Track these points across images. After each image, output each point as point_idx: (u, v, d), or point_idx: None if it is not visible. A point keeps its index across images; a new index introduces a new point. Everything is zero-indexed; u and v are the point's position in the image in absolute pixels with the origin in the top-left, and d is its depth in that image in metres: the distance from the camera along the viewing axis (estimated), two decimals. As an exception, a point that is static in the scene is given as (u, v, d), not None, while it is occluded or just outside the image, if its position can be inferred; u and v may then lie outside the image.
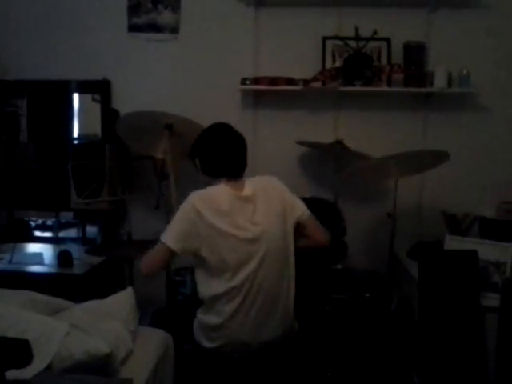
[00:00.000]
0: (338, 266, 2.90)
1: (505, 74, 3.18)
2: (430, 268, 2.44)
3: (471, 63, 3.10)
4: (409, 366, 2.64)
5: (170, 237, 2.00)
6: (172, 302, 2.79)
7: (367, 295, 2.56)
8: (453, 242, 2.64)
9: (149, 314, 2.84)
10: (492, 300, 2.41)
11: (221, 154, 2.13)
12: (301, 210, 2.16)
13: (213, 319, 2.02)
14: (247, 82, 3.13)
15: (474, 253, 2.45)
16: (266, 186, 2.13)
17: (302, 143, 3.15)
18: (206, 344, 2.06)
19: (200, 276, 2.08)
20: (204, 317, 2.07)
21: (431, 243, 2.92)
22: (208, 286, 2.04)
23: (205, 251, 1.99)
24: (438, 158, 2.82)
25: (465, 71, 3.05)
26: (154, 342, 2.24)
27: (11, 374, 1.51)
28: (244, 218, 2.02)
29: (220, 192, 2.05)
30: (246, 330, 2.00)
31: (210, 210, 1.99)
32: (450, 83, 3.07)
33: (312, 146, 3.17)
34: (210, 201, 2.02)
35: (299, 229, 2.16)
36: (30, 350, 1.74)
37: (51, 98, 3.37)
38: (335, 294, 2.54)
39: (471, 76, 3.06)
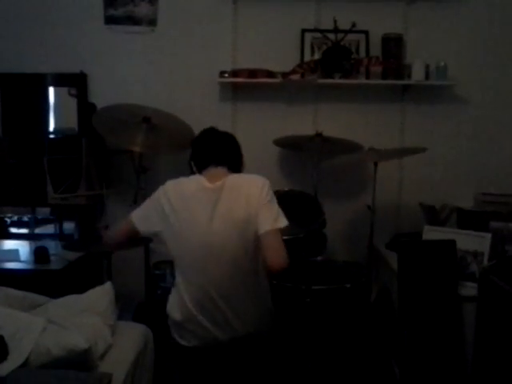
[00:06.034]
0: (318, 258, 2.91)
1: (482, 66, 3.22)
2: (409, 258, 2.45)
3: (448, 56, 3.14)
4: (388, 355, 2.66)
5: (136, 213, 2.08)
6: (151, 295, 2.76)
7: (347, 286, 2.57)
8: (431, 233, 2.66)
9: (128, 308, 2.81)
10: (470, 289, 2.44)
11: (202, 147, 2.16)
12: (263, 226, 1.92)
13: (177, 316, 2.00)
14: (225, 75, 3.11)
15: (453, 242, 2.47)
16: (241, 185, 1.99)
17: (280, 143, 3.11)
18: (181, 341, 2.02)
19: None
20: (170, 313, 2.04)
21: (410, 234, 2.95)
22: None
23: (165, 233, 2.02)
24: (415, 151, 2.87)
25: (442, 63, 3.08)
26: (134, 336, 2.22)
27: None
28: (202, 210, 1.96)
29: (190, 180, 2.06)
30: (209, 327, 1.95)
31: (176, 194, 2.00)
32: (427, 75, 3.09)
33: (291, 143, 3.12)
34: (179, 186, 2.04)
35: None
36: (5, 346, 1.72)
37: (26, 91, 3.30)
38: (315, 286, 2.54)
39: (448, 68, 3.08)
